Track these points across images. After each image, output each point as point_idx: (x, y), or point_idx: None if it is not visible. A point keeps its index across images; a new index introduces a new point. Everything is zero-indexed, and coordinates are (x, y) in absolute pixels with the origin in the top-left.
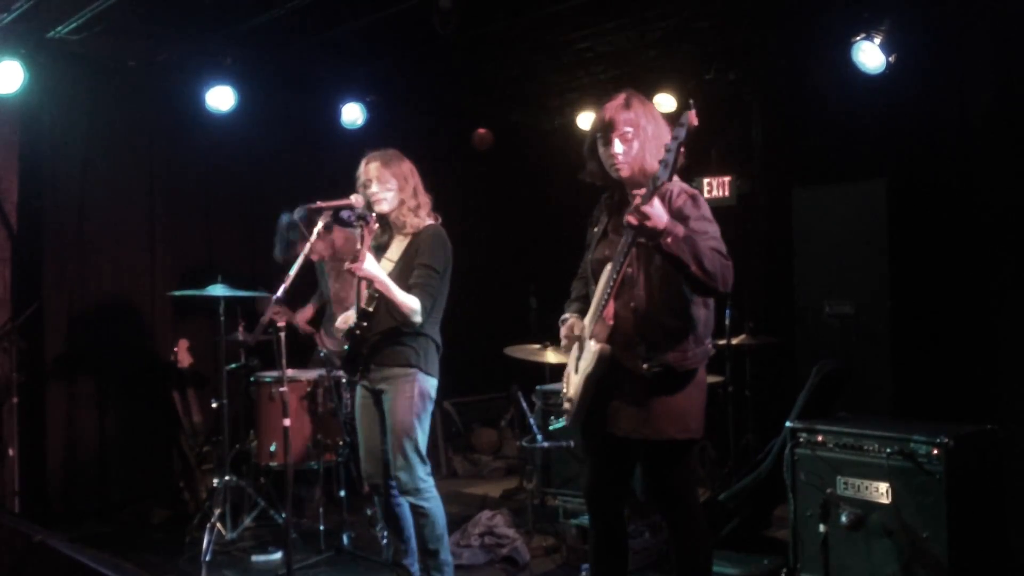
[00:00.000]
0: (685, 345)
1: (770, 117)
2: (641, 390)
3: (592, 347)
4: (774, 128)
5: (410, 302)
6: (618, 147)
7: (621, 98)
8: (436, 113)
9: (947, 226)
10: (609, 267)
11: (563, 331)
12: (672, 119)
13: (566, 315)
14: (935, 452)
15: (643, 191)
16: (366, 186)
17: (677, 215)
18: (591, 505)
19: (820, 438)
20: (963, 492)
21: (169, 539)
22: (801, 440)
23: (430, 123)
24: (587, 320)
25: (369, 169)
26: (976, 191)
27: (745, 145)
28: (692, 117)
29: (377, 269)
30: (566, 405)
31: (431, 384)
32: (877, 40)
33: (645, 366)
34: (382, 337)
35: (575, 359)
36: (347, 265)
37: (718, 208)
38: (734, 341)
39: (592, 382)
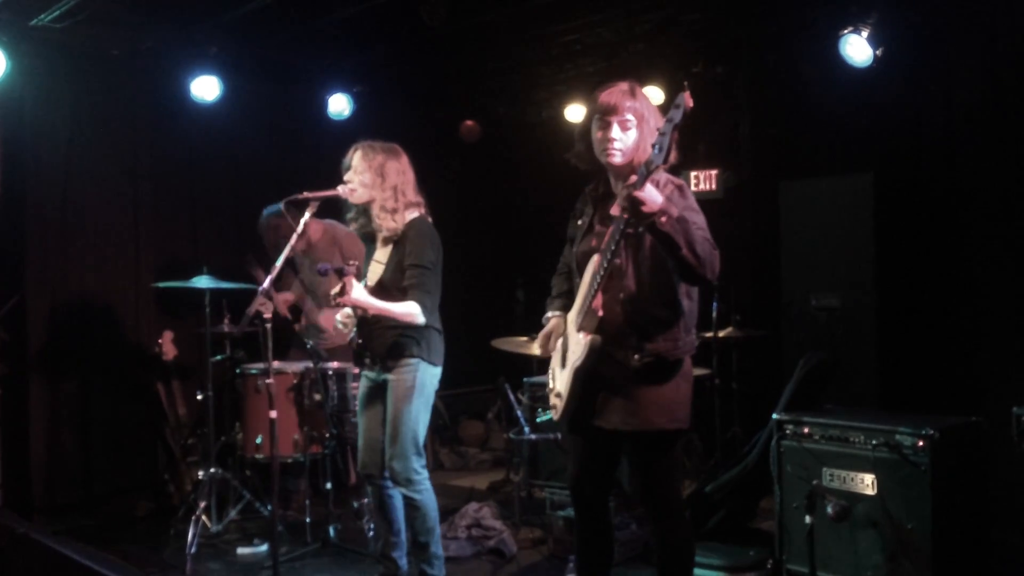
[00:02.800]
0: (675, 334)
1: (757, 110)
2: (630, 382)
3: (582, 339)
4: (761, 121)
5: (408, 309)
6: (616, 132)
7: (626, 85)
8: (423, 105)
9: (933, 220)
10: (596, 259)
11: (540, 337)
12: (665, 111)
13: (549, 314)
14: (920, 444)
15: (634, 178)
16: (346, 172)
17: None
18: (576, 497)
19: (806, 430)
20: (948, 484)
21: (154, 532)
22: (787, 432)
23: (417, 115)
24: (573, 313)
25: (353, 157)
26: (962, 185)
27: (732, 138)
28: (687, 99)
29: (364, 296)
30: (554, 400)
31: (434, 374)
32: (864, 34)
33: (636, 357)
34: (386, 332)
35: (560, 353)
36: (335, 300)
37: (705, 201)
38: (721, 334)
39: (582, 374)
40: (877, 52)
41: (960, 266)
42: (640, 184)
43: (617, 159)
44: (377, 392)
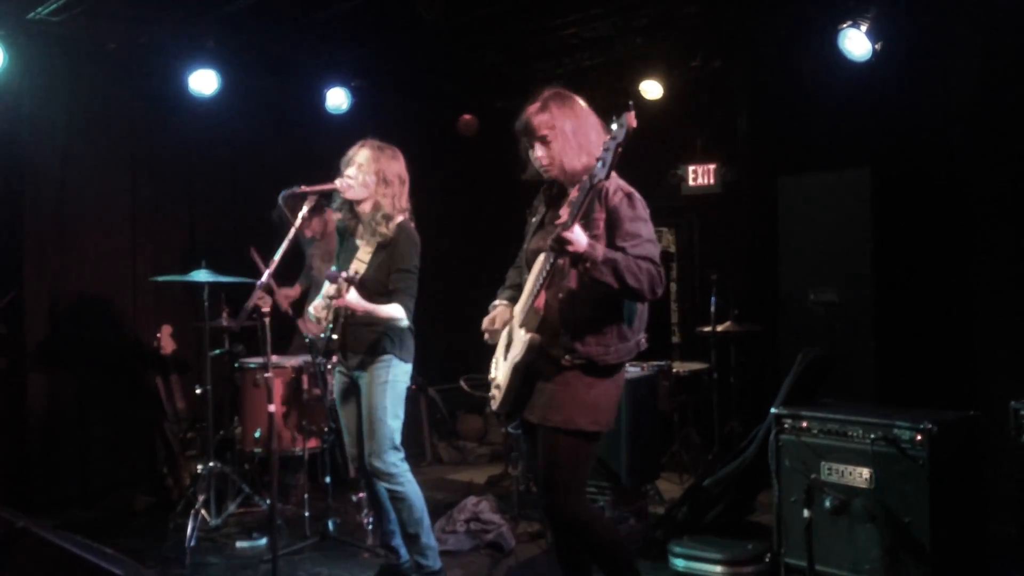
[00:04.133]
0: (607, 340)
1: (755, 105)
2: (561, 380)
3: (522, 335)
4: (759, 116)
5: (394, 313)
6: (539, 151)
7: (538, 101)
8: (421, 99)
9: (931, 215)
10: (542, 257)
11: (485, 321)
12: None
13: (496, 302)
14: (918, 438)
15: (565, 213)
16: (347, 166)
17: (612, 214)
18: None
19: (804, 424)
20: (945, 478)
21: (153, 526)
22: (785, 426)
23: (415, 109)
24: (518, 308)
25: (359, 154)
26: (960, 180)
27: (730, 133)
28: (631, 118)
29: (358, 300)
30: (493, 391)
31: (405, 370)
32: (863, 28)
33: (567, 357)
34: (362, 327)
35: (504, 345)
36: (331, 302)
37: (703, 196)
38: (719, 328)
39: (520, 369)
40: (876, 46)
41: (958, 260)
42: (570, 224)
43: (552, 173)
44: (352, 389)
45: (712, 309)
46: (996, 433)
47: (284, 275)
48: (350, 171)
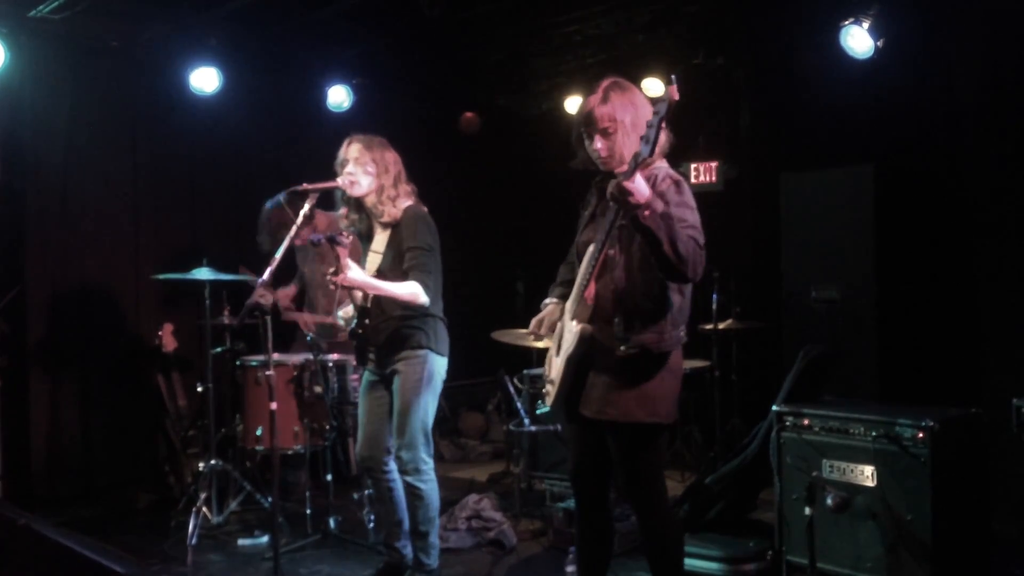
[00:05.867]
0: (661, 327)
1: (758, 102)
2: (616, 371)
3: (574, 327)
4: (762, 113)
5: (410, 289)
6: (599, 143)
7: (600, 91)
8: (423, 96)
9: (934, 212)
10: (592, 248)
11: (533, 322)
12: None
13: (548, 300)
14: (920, 436)
15: (624, 168)
16: (343, 165)
17: (659, 199)
18: (576, 488)
19: (806, 422)
20: (947, 475)
21: (154, 523)
22: (787, 424)
23: (417, 106)
24: (569, 301)
25: (350, 149)
26: (963, 177)
27: (733, 130)
28: (673, 92)
29: (363, 276)
30: (547, 387)
31: (442, 364)
32: (866, 24)
33: (622, 347)
34: (390, 323)
35: (557, 341)
36: (330, 278)
37: (705, 194)
38: (721, 326)
39: (573, 362)
40: (878, 43)
41: (960, 258)
42: (629, 174)
43: (609, 165)
44: (381, 384)
45: (714, 306)
46: (999, 431)
47: (279, 277)
48: (350, 169)
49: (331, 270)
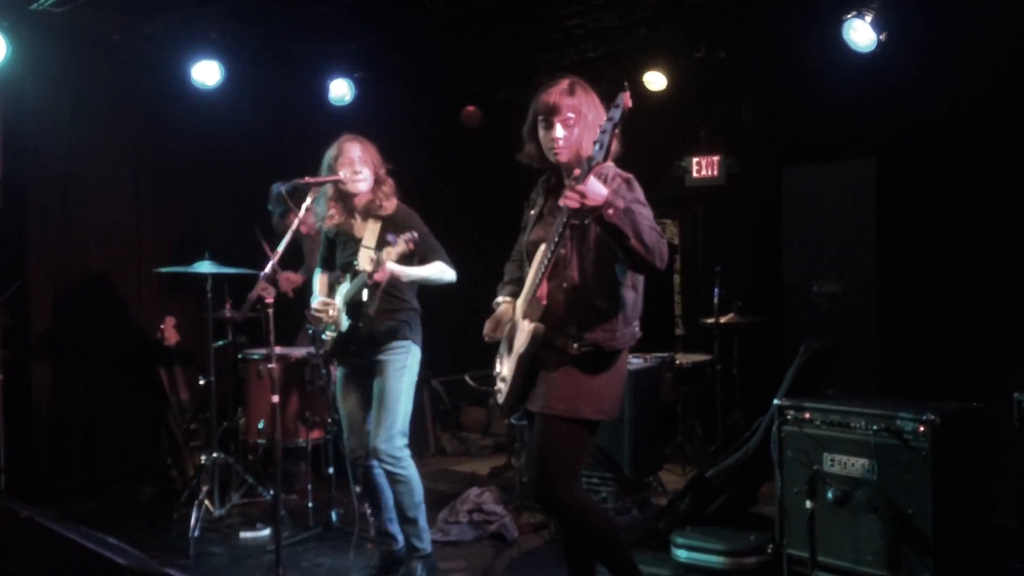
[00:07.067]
0: (614, 325)
1: (760, 96)
2: (566, 368)
3: (526, 326)
4: (764, 107)
5: (439, 269)
6: (559, 131)
7: (565, 84)
8: (424, 90)
9: (936, 206)
10: (543, 248)
11: (487, 325)
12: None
13: (499, 299)
14: (921, 429)
15: (577, 172)
16: (347, 164)
17: None
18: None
19: (807, 415)
20: (948, 469)
21: (157, 516)
22: (788, 417)
23: (419, 100)
24: (520, 300)
25: (353, 148)
26: (965, 171)
27: (734, 124)
28: (627, 99)
29: (397, 267)
30: (499, 384)
31: (418, 357)
32: (868, 18)
33: (575, 345)
34: (378, 317)
35: (508, 340)
36: (370, 279)
37: (707, 188)
38: (722, 320)
39: (525, 361)
40: (881, 37)
41: (962, 252)
42: (583, 178)
43: (563, 157)
44: (359, 374)
45: (715, 300)
46: (999, 425)
47: (285, 264)
48: (357, 168)
49: (370, 268)
